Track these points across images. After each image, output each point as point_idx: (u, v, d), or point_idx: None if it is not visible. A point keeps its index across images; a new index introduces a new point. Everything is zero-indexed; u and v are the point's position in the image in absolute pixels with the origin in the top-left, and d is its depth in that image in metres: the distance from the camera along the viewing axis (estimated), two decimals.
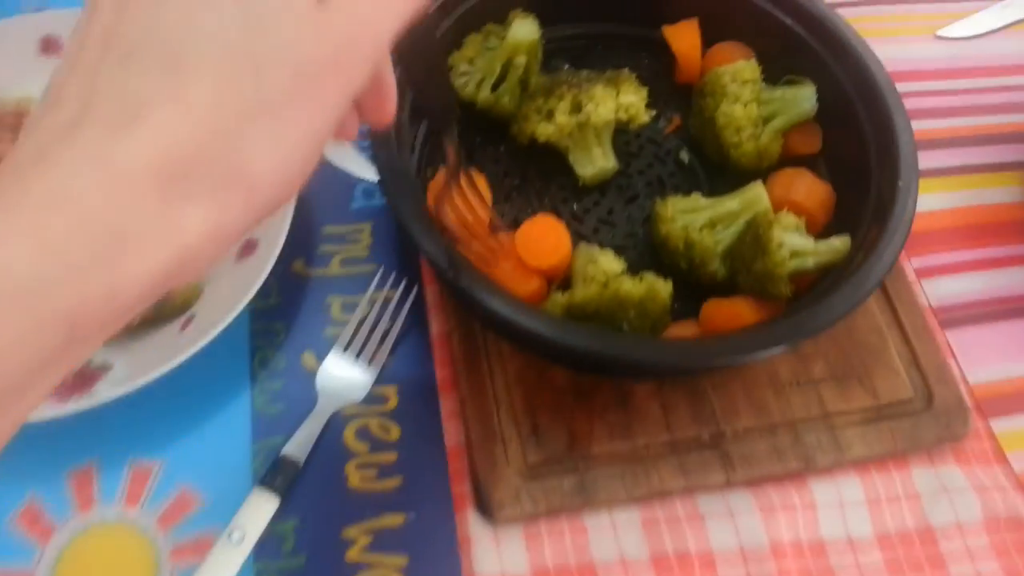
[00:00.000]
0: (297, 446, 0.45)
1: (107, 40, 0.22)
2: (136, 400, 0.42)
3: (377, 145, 0.45)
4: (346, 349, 0.49)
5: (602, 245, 0.52)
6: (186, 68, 0.21)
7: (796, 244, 0.46)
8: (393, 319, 0.50)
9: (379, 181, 0.44)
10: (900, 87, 0.61)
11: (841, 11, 0.67)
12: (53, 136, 0.21)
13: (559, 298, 0.46)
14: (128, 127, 0.20)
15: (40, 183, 0.20)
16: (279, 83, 0.22)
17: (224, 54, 0.21)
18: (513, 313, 0.40)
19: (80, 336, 0.20)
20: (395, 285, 0.51)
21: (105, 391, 0.42)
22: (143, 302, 0.21)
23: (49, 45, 0.54)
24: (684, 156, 0.56)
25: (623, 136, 0.55)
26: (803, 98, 0.52)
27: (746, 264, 0.46)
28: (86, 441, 0.46)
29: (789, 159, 0.54)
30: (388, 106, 0.28)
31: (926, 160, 0.59)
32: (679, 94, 0.58)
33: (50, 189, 0.20)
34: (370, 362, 0.48)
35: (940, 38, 0.64)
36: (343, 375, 0.48)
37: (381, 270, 0.52)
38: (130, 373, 0.43)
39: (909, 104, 0.60)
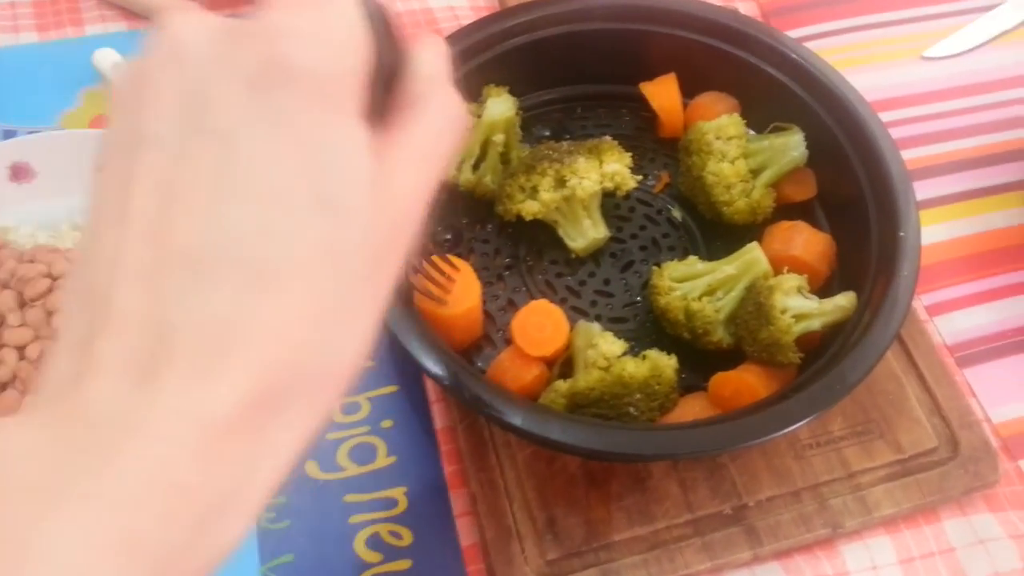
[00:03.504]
0: None
1: (160, 244, 0.19)
2: None
3: None
4: None
5: (601, 317, 0.51)
6: (272, 281, 0.19)
7: (800, 307, 0.44)
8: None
9: None
10: (890, 114, 0.60)
11: (824, 40, 0.66)
12: (128, 380, 0.18)
13: (561, 386, 0.44)
14: (218, 365, 0.18)
15: (127, 458, 0.17)
16: (358, 275, 0.20)
17: (308, 258, 0.19)
18: (523, 421, 0.39)
19: None
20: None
21: None
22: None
23: (19, 172, 0.53)
24: (677, 214, 0.54)
25: (612, 200, 0.54)
26: (792, 146, 0.51)
27: (751, 333, 0.44)
28: None
29: (784, 207, 0.53)
30: None
31: (924, 189, 0.57)
32: (664, 149, 0.57)
33: (142, 469, 0.17)
34: None
35: (926, 59, 0.63)
36: None
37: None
38: None
39: (901, 132, 0.59)
